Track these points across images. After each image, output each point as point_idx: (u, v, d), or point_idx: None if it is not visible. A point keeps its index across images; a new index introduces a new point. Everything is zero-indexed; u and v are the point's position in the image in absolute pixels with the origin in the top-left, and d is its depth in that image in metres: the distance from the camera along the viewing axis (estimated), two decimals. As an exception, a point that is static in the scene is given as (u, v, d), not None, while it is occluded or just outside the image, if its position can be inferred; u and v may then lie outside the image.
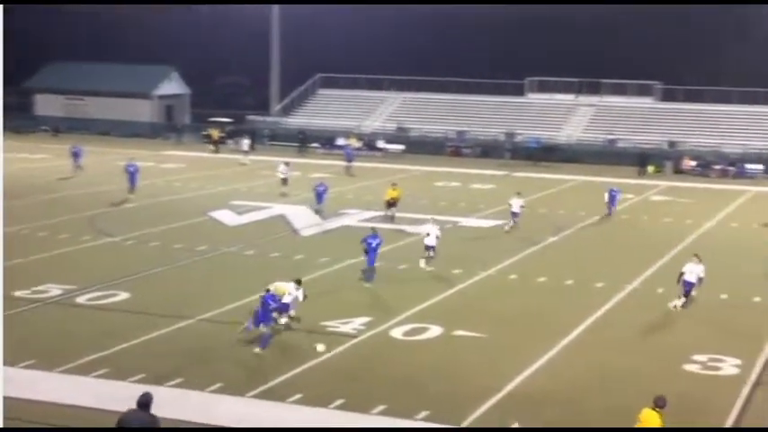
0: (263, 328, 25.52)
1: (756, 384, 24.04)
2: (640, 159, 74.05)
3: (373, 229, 34.85)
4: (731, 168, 73.14)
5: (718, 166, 73.47)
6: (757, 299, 32.93)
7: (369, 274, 33.56)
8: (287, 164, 56.83)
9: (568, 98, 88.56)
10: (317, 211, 48.02)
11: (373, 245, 33.61)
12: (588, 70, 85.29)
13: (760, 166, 73.56)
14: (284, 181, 55.65)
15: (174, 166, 67.14)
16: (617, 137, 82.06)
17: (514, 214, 44.78)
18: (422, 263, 35.80)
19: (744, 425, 21.47)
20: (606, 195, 50.03)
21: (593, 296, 32.55)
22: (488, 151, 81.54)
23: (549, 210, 52.46)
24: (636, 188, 62.70)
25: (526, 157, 78.54)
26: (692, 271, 30.68)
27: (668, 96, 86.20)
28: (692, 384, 23.92)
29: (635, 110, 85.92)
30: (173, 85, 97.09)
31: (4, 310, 27.07)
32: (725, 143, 78.65)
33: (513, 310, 30.75)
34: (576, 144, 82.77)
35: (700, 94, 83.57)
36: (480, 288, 33.62)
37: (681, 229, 46.45)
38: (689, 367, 25.11)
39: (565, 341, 27.18)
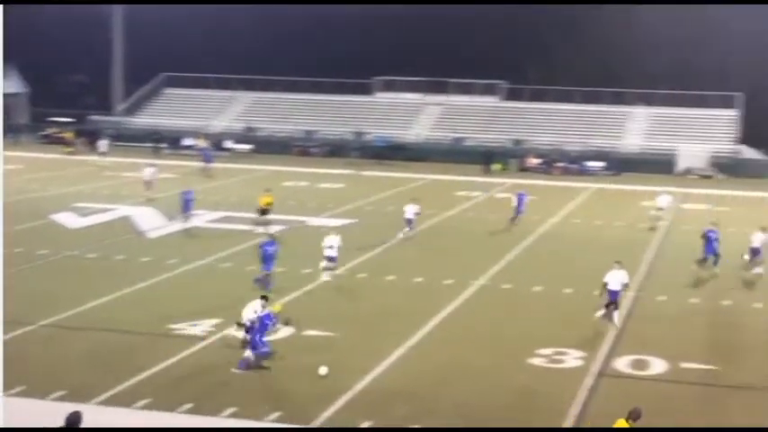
0: (249, 353, 24.25)
1: (600, 375, 24.66)
2: (486, 157, 75.46)
3: (271, 235, 33.57)
4: (573, 166, 75.21)
5: (560, 164, 75.46)
6: (597, 292, 33.80)
7: (266, 281, 32.35)
8: (152, 166, 54.92)
9: (415, 97, 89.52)
10: (185, 219, 45.03)
11: (270, 251, 32.56)
12: (435, 70, 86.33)
13: (600, 164, 75.88)
14: (148, 184, 53.48)
15: (12, 168, 64.82)
16: (463, 135, 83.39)
17: (409, 221, 43.08)
18: (324, 275, 34.41)
19: (588, 416, 21.98)
20: (514, 199, 48.54)
21: (442, 293, 32.87)
22: (337, 150, 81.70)
23: (397, 208, 52.71)
24: (482, 186, 63.83)
25: (374, 156, 79.00)
26: (615, 278, 29.52)
27: (513, 95, 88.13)
28: (536, 378, 24.36)
29: (480, 109, 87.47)
30: (10, 84, 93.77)
31: None
32: (567, 141, 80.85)
33: (364, 308, 30.80)
34: (424, 143, 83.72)
35: (543, 93, 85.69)
36: (330, 287, 33.54)
37: (526, 225, 47.38)
38: (534, 361, 25.57)
39: (414, 339, 27.33)
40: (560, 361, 25.64)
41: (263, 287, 31.54)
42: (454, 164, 75.21)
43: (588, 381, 24.16)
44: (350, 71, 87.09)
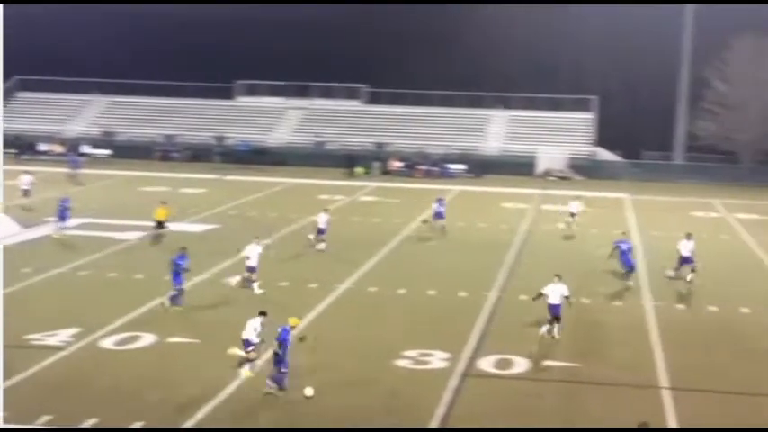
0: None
1: (464, 376, 24.88)
2: (349, 161, 75.65)
3: (183, 248, 32.23)
4: (435, 169, 76.02)
5: (423, 167, 76.18)
6: (463, 293, 34.18)
7: (177, 296, 30.90)
8: (28, 173, 52.64)
9: (277, 101, 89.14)
10: (60, 229, 42.83)
11: (183, 265, 31.12)
12: (297, 74, 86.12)
13: (462, 166, 76.91)
14: (26, 192, 51.14)
15: None
16: (325, 139, 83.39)
17: (320, 231, 41.77)
18: (255, 287, 33.24)
19: (453, 416, 22.12)
20: (434, 205, 47.74)
21: (307, 297, 32.68)
22: (198, 155, 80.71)
23: (260, 213, 52.42)
24: (345, 190, 63.89)
25: (237, 160, 78.35)
26: (555, 292, 28.62)
27: (375, 99, 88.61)
28: (402, 379, 24.42)
29: (343, 112, 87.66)
30: None
31: None
32: (429, 144, 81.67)
33: (227, 315, 30.32)
34: (286, 147, 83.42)
35: (405, 96, 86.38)
36: (194, 294, 32.93)
37: (390, 228, 47.61)
38: (400, 363, 25.64)
39: (280, 343, 27.05)
40: (426, 362, 25.78)
41: (176, 303, 30.65)
42: (317, 168, 75.16)
43: (453, 381, 24.34)
44: (211, 75, 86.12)
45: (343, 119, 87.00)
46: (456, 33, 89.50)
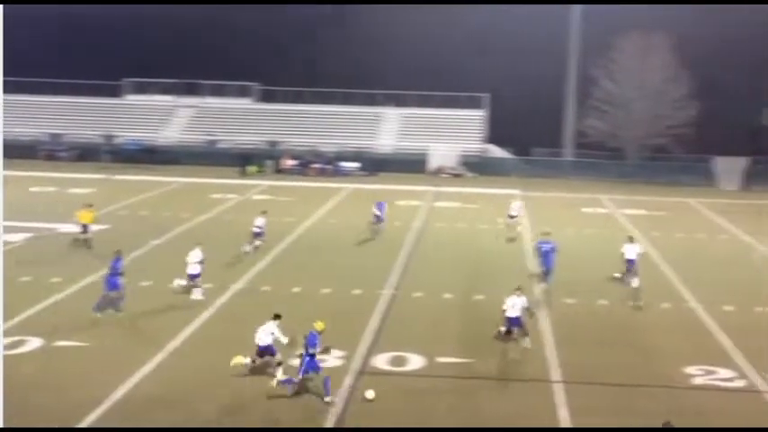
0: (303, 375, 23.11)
1: (360, 373, 24.83)
2: (241, 160, 75.04)
3: (118, 251, 30.97)
4: (329, 167, 75.87)
5: (316, 165, 75.96)
6: (357, 291, 34.12)
7: (117, 300, 29.98)
8: None
9: (167, 99, 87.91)
10: None
11: (120, 269, 30.14)
12: (187, 72, 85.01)
13: (356, 164, 76.92)
14: None
15: None
16: (218, 138, 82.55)
17: (257, 234, 40.76)
18: (197, 293, 32.37)
19: (349, 414, 22.05)
20: (375, 208, 46.81)
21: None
22: (86, 154, 79.06)
23: (151, 212, 51.58)
24: (238, 188, 63.31)
25: (126, 159, 77.00)
26: (515, 305, 27.92)
27: (267, 97, 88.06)
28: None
29: (235, 111, 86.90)
30: None
31: None
32: (322, 142, 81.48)
33: (120, 315, 29.71)
34: (177, 145, 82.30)
35: (297, 95, 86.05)
36: (81, 295, 32.18)
37: (282, 227, 47.30)
38: (295, 362, 25.40)
39: (172, 345, 26.65)
40: (321, 360, 25.61)
41: (117, 308, 29.77)
42: (209, 166, 74.36)
43: (348, 380, 24.27)
44: (98, 73, 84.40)
45: (235, 117, 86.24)
46: (348, 31, 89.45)
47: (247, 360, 24.27)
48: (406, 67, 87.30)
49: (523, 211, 48.78)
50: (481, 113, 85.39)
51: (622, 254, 36.39)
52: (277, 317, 24.42)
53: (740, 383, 25.05)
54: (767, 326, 30.96)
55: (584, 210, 58.52)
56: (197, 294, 32.12)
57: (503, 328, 28.23)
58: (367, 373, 24.89)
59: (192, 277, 32.23)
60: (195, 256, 32.39)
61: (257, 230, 40.82)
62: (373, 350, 26.89)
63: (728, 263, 42.19)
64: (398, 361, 25.91)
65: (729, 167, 75.86)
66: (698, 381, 25.14)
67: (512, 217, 47.46)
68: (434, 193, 63.90)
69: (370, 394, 22.79)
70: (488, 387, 24.31)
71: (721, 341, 29.03)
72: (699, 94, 77.80)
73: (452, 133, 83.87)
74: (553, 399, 23.43)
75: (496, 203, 59.68)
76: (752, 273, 39.90)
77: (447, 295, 34.05)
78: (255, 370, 24.27)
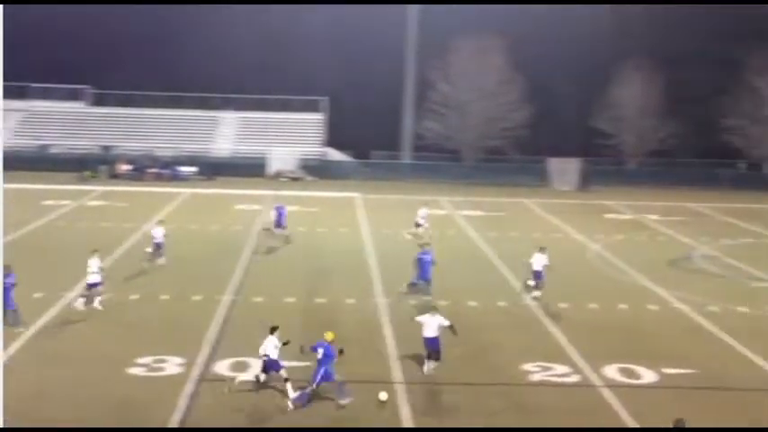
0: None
1: (200, 380, 24.39)
2: (74, 165, 73.00)
3: (8, 266, 28.81)
4: (166, 171, 74.51)
5: (153, 170, 74.49)
6: (197, 297, 33.55)
7: (12, 317, 28.16)
8: None
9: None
10: None
11: (7, 284, 28.16)
12: (13, 74, 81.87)
13: (193, 168, 75.80)
14: None
15: None
16: (49, 142, 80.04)
17: (158, 245, 39.31)
18: (95, 302, 30.96)
19: (190, 422, 21.62)
20: (273, 213, 45.72)
21: (31, 307, 30.99)
22: None
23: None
24: (72, 194, 61.51)
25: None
26: (431, 324, 25.88)
27: (99, 101, 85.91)
28: (136, 388, 23.65)
29: (66, 114, 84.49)
30: None
31: None
32: (159, 147, 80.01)
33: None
34: (7, 150, 79.27)
35: (131, 98, 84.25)
36: None
37: (120, 232, 46.19)
38: (133, 371, 24.82)
39: (5, 357, 25.58)
40: (160, 369, 25.07)
41: (15, 324, 28.07)
42: (41, 172, 71.91)
43: (189, 387, 23.81)
44: None
45: (67, 121, 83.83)
46: (182, 34, 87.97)
47: (249, 377, 23.80)
48: (243, 70, 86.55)
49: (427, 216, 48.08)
50: (320, 117, 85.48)
51: (530, 263, 35.13)
52: (274, 329, 24.01)
53: (575, 378, 25.70)
54: (600, 322, 31.92)
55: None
56: (96, 303, 30.94)
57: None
58: (207, 380, 24.46)
59: (92, 285, 30.98)
60: (93, 264, 31.12)
61: (158, 241, 39.31)
62: (214, 356, 26.46)
63: (563, 261, 43.26)
64: (240, 366, 25.54)
65: (563, 168, 78.14)
66: (535, 377, 25.67)
67: (418, 225, 46.95)
68: (273, 196, 63.51)
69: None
70: (331, 388, 24.19)
71: (557, 338, 29.76)
72: (532, 96, 79.95)
73: (291, 137, 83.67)
74: (395, 399, 23.52)
75: (336, 207, 59.84)
76: (585, 270, 41.11)
77: (288, 299, 33.83)
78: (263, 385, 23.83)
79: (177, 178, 73.49)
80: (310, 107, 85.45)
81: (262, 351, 23.71)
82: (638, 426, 22.21)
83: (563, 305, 33.91)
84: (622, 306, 33.78)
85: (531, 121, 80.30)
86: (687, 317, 32.99)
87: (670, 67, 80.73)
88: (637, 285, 37.86)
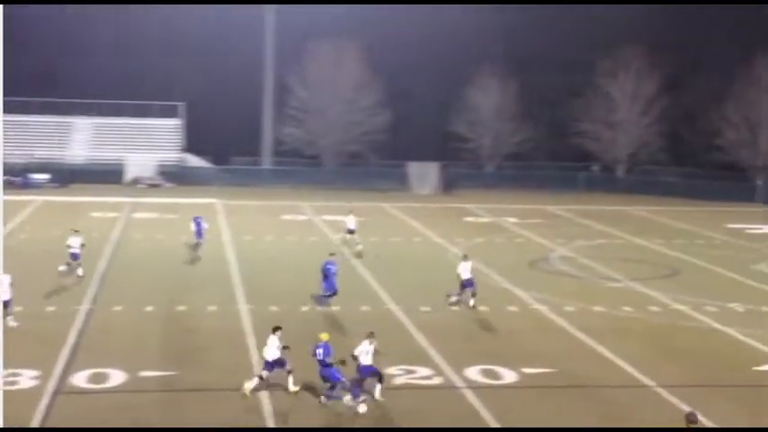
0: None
1: (56, 393, 23.68)
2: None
3: None
4: (17, 179, 72.20)
5: (2, 177, 71.98)
6: (51, 308, 32.60)
7: None
8: None
9: None
10: None
11: None
12: None
13: (45, 176, 73.70)
14: None
15: None
16: None
17: (74, 255, 37.76)
18: (10, 322, 29.28)
19: (46, 437, 21.00)
20: (192, 225, 44.58)
21: None
22: None
23: None
24: None
25: None
26: (368, 352, 24.25)
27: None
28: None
29: None
30: None
31: None
32: (9, 153, 77.41)
33: None
34: None
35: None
36: None
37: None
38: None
39: None
40: (14, 383, 24.22)
41: None
42: None
43: (44, 401, 23.08)
44: None
45: None
46: (31, 33, 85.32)
47: (254, 381, 23.89)
48: (98, 74, 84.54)
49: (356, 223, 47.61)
50: (177, 122, 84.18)
51: (459, 274, 34.59)
52: (277, 329, 24.34)
53: (437, 381, 25.92)
54: (462, 324, 32.31)
55: (284, 217, 58.97)
56: (10, 322, 29.40)
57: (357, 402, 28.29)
58: (64, 393, 23.76)
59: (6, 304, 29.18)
60: (4, 279, 29.22)
61: (74, 251, 37.76)
62: (70, 368, 25.71)
63: (423, 264, 43.76)
64: (98, 378, 24.91)
65: (422, 172, 78.90)
66: (399, 380, 25.78)
67: (351, 232, 46.55)
68: (131, 204, 62.27)
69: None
70: (194, 398, 23.84)
71: (419, 341, 29.98)
72: (390, 101, 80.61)
73: (148, 143, 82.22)
74: (261, 409, 23.29)
75: (196, 213, 58.94)
76: (446, 273, 41.61)
77: (148, 308, 33.19)
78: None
79: (29, 186, 71.34)
80: (168, 113, 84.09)
81: (265, 352, 24.12)
82: (500, 426, 22.54)
83: (425, 308, 34.20)
84: (483, 308, 34.25)
85: (390, 126, 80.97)
86: (545, 317, 33.71)
87: (524, 71, 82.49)
88: (497, 287, 38.49)
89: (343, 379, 23.56)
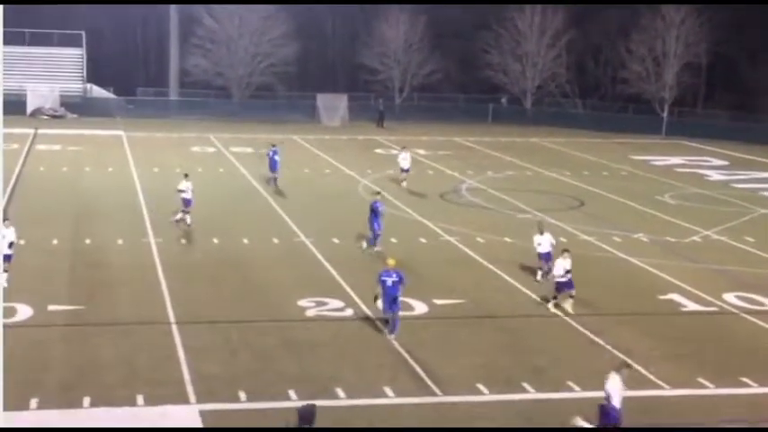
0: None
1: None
2: None
3: None
4: None
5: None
6: None
7: None
8: None
9: None
10: None
11: None
12: None
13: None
14: None
15: None
16: None
17: (186, 202, 35.57)
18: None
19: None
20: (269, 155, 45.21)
21: None
22: None
23: None
24: None
25: None
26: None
27: None
28: None
29: None
30: None
31: None
32: None
33: None
34: None
35: None
36: None
37: None
38: None
39: None
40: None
41: None
42: None
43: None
44: None
45: None
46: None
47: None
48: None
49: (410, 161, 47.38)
50: (79, 52, 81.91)
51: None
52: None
53: (349, 312, 26.04)
54: (372, 257, 32.36)
55: (193, 149, 58.22)
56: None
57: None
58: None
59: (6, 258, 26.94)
60: (9, 235, 27.29)
61: (185, 196, 35.63)
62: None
63: (334, 197, 43.70)
64: (5, 312, 24.41)
65: (331, 104, 78.39)
66: (311, 312, 25.82)
67: (404, 170, 46.30)
68: (34, 135, 60.80)
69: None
70: (103, 333, 23.56)
71: (331, 273, 30.02)
72: (299, 33, 79.73)
73: (50, 73, 79.97)
74: (172, 339, 23.14)
75: (101, 145, 57.94)
76: (358, 206, 41.65)
77: (54, 241, 32.61)
78: None
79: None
80: (70, 41, 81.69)
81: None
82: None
83: (336, 240, 34.21)
84: (393, 240, 34.36)
85: (298, 58, 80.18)
86: (456, 248, 33.99)
87: (434, 5, 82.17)
88: (408, 219, 38.64)
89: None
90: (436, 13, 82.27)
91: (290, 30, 79.20)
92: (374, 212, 33.22)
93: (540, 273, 29.71)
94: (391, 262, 24.53)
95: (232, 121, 73.08)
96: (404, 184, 45.86)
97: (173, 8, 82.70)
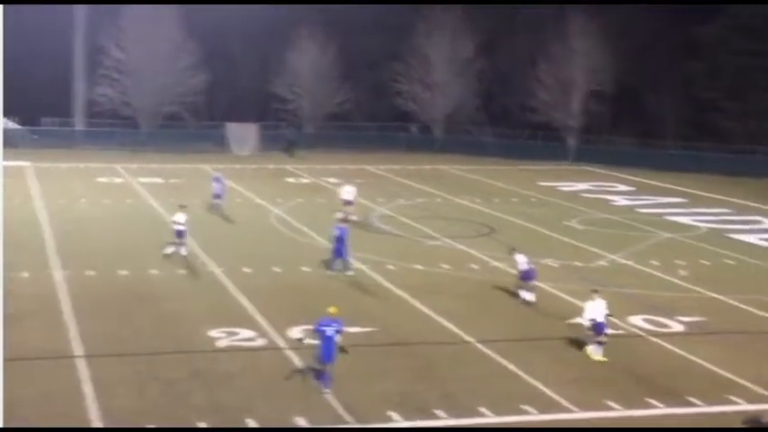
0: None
1: None
2: None
3: None
4: None
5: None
6: None
7: None
8: None
9: None
10: None
11: None
12: None
13: None
14: None
15: None
16: None
17: (180, 233, 34.95)
18: None
19: None
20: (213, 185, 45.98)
21: None
22: None
23: None
24: None
25: None
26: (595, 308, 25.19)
27: None
28: None
29: None
30: None
31: None
32: None
33: None
34: None
35: None
36: None
37: None
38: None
39: None
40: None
41: None
42: None
43: None
44: None
45: None
46: None
47: None
48: None
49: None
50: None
51: (517, 262, 31.86)
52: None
53: (261, 342, 25.82)
54: (284, 284, 32.23)
55: (99, 179, 57.32)
56: None
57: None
58: None
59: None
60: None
61: (180, 228, 35.02)
62: None
63: (245, 226, 43.41)
64: None
65: (241, 134, 78.01)
66: (222, 343, 25.53)
67: (348, 203, 45.29)
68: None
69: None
70: (9, 367, 22.92)
71: (242, 302, 29.77)
72: (207, 62, 79.23)
73: (-48, 103, 78.04)
74: (77, 374, 22.65)
75: (5, 176, 56.61)
76: (268, 234, 41.47)
77: (-45, 276, 31.72)
78: None
79: None
80: (-27, 71, 79.93)
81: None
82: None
83: (247, 270, 33.96)
84: (305, 268, 34.24)
85: (207, 87, 79.67)
86: (367, 276, 33.98)
87: (344, 34, 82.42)
88: (318, 247, 38.51)
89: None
90: (346, 43, 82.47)
91: (200, 59, 78.68)
92: (338, 239, 33.77)
93: (523, 292, 30.70)
94: (332, 310, 22.65)
95: (140, 151, 72.20)
96: (353, 217, 44.93)
97: (78, 37, 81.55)
